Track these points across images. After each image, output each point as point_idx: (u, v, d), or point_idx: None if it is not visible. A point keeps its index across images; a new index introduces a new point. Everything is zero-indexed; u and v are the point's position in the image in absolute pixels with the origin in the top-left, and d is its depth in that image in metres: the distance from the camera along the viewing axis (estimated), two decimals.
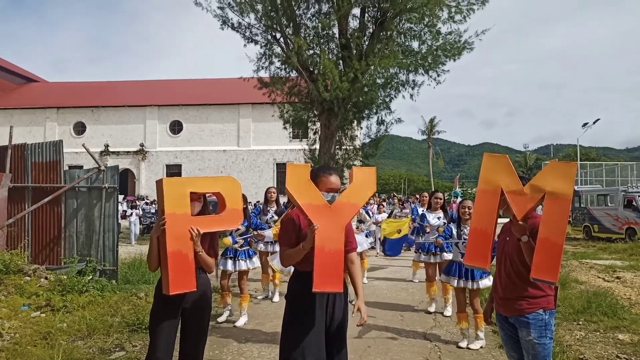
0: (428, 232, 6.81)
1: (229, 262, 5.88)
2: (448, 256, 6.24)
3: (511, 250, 2.91)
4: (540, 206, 2.78)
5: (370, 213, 11.34)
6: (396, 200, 18.21)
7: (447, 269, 5.42)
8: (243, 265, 5.86)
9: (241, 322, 5.83)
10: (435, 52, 16.05)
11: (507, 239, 2.97)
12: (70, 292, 6.32)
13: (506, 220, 2.96)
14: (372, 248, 12.55)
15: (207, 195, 3.19)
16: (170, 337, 3.02)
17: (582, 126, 34.15)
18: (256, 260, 6.07)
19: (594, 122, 33.75)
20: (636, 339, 5.31)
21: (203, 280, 3.12)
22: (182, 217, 2.90)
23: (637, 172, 31.59)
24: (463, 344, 5.08)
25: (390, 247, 10.59)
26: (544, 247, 2.58)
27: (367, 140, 18.93)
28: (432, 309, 6.62)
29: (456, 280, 5.20)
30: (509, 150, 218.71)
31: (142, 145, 41.53)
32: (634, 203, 17.15)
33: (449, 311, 6.42)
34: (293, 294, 2.95)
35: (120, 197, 16.98)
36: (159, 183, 2.93)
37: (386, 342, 5.22)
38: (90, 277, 7.02)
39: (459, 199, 20.71)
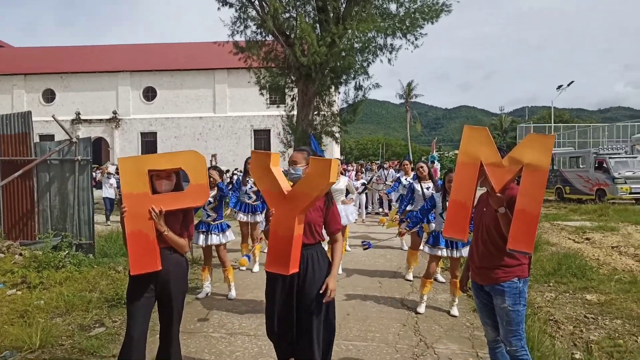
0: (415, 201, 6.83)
1: (201, 237, 5.79)
2: (432, 226, 6.22)
3: (488, 220, 2.96)
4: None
5: (350, 181, 11.35)
6: (374, 167, 18.26)
7: (432, 239, 5.38)
8: (215, 239, 5.78)
9: (232, 294, 5.83)
10: (413, 15, 15.85)
11: (484, 209, 3.02)
12: (46, 268, 6.25)
13: (483, 190, 3.01)
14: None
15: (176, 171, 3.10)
16: (144, 317, 3.02)
17: (557, 89, 34.53)
18: (230, 234, 5.95)
19: (568, 85, 34.16)
20: (603, 299, 5.55)
21: (175, 260, 3.06)
22: (140, 196, 2.87)
23: (608, 133, 32.36)
24: (421, 309, 5.22)
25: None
26: (520, 218, 2.63)
27: (345, 105, 18.82)
28: (409, 277, 6.75)
29: (442, 250, 5.25)
30: (485, 112, 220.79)
31: (115, 112, 40.43)
32: (604, 165, 17.61)
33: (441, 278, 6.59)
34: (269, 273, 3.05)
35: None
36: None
37: (365, 309, 5.34)
38: (66, 252, 6.93)
39: (437, 164, 20.96)
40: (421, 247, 6.66)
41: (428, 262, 5.45)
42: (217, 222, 5.85)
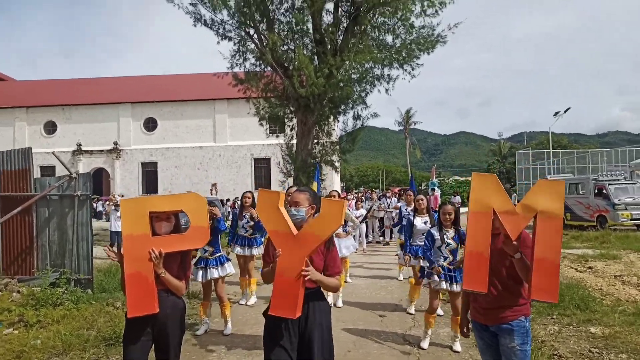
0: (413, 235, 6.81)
1: (199, 272, 5.72)
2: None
3: (496, 262, 2.90)
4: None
5: (350, 210, 11.36)
6: (374, 196, 18.27)
7: (430, 273, 5.30)
8: (215, 273, 5.72)
9: (228, 330, 5.76)
10: (409, 46, 16.11)
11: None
12: (44, 306, 6.18)
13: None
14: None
15: (177, 213, 3.12)
16: (141, 356, 2.99)
17: (554, 115, 34.83)
18: (229, 267, 5.89)
19: (565, 111, 34.46)
20: (607, 332, 5.47)
21: (172, 302, 3.04)
22: (140, 238, 2.87)
23: (607, 158, 32.42)
24: (425, 345, 5.17)
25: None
26: (541, 268, 2.59)
27: (344, 134, 18.96)
28: (411, 310, 6.68)
29: (443, 283, 5.16)
30: (484, 138, 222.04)
31: (115, 143, 40.71)
32: (604, 191, 17.61)
33: (440, 311, 6.45)
34: (268, 314, 2.97)
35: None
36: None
37: (366, 345, 5.26)
38: (65, 288, 6.87)
39: (437, 191, 20.91)
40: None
41: (430, 298, 5.38)
42: (214, 255, 5.80)
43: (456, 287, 5.12)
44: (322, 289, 3.05)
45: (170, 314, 3.02)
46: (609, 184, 17.66)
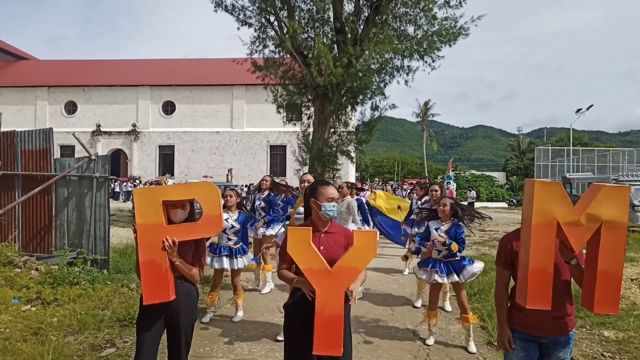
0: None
1: (225, 260, 5.74)
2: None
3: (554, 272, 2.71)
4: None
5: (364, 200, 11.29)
6: (389, 188, 18.19)
7: (429, 263, 5.21)
8: (240, 263, 5.77)
9: (238, 318, 5.81)
10: (430, 38, 15.92)
11: None
12: (61, 285, 6.32)
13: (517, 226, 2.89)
14: None
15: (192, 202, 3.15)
16: (153, 344, 3.07)
17: (576, 112, 34.20)
18: (250, 254, 5.98)
19: (587, 109, 33.84)
20: (621, 336, 5.41)
21: (186, 289, 3.09)
22: (154, 226, 2.90)
23: (628, 157, 31.81)
24: (430, 342, 5.12)
25: (392, 229, 10.61)
26: (604, 280, 2.50)
27: (361, 124, 18.87)
28: (418, 304, 6.67)
29: (445, 277, 5.09)
30: (503, 132, 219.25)
31: (134, 125, 41.19)
32: None
33: (448, 306, 6.45)
34: (289, 307, 3.02)
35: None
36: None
37: (375, 338, 5.28)
38: (81, 267, 7.01)
39: (453, 185, 20.62)
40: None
41: (429, 293, 5.26)
42: (237, 245, 5.82)
43: (456, 278, 5.03)
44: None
45: (183, 300, 3.07)
46: (630, 184, 17.31)
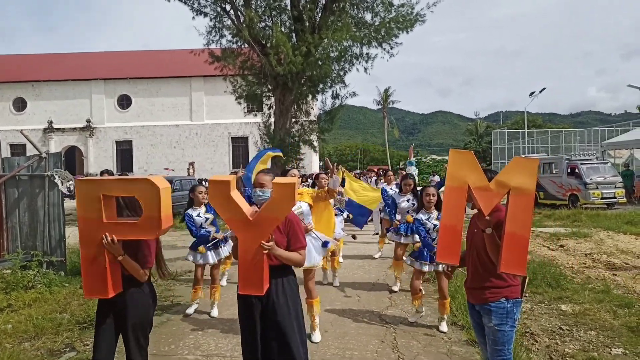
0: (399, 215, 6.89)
1: (209, 255, 5.71)
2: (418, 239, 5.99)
3: (478, 242, 3.04)
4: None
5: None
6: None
7: (416, 253, 5.41)
8: (226, 251, 5.85)
9: (215, 312, 5.73)
10: (388, 25, 16.01)
11: (475, 231, 3.10)
12: (14, 289, 6.05)
13: (475, 211, 3.02)
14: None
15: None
16: (109, 339, 2.99)
17: (530, 95, 35.28)
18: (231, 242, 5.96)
19: (540, 91, 34.96)
20: (577, 309, 5.63)
21: (133, 288, 2.98)
22: (94, 221, 2.80)
23: (580, 137, 33.10)
24: (412, 319, 5.35)
25: (357, 217, 10.68)
26: (511, 242, 2.69)
27: (322, 113, 18.85)
28: (396, 288, 6.74)
29: (427, 265, 5.25)
30: (461, 117, 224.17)
31: (88, 121, 39.68)
32: (576, 170, 18.00)
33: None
34: (238, 295, 3.10)
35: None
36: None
37: (343, 325, 5.30)
38: (36, 270, 6.71)
39: (414, 169, 20.85)
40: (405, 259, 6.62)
41: (411, 279, 5.44)
42: (224, 235, 5.79)
43: (440, 267, 5.14)
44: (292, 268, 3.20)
45: (130, 299, 2.97)
46: (582, 164, 18.04)
